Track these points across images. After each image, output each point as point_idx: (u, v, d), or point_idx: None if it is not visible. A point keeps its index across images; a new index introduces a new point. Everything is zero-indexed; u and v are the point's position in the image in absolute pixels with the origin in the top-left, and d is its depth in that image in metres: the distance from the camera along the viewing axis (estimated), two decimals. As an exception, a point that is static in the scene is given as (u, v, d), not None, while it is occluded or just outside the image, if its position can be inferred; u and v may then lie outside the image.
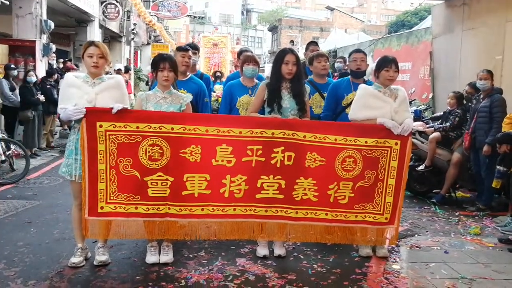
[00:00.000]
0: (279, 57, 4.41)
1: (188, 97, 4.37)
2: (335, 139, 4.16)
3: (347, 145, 4.18)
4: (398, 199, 4.33)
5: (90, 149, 3.87)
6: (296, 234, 4.32)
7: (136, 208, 3.98)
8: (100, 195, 3.93)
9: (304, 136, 4.12)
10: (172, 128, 3.95)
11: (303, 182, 4.16)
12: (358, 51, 5.24)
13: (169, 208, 4.01)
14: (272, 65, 4.60)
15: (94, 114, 3.87)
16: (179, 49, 5.24)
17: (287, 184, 4.13)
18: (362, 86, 4.56)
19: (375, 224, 4.34)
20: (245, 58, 5.16)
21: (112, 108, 3.84)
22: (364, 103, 4.39)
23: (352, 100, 4.93)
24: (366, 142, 4.20)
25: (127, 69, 13.36)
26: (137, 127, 3.91)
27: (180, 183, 4.00)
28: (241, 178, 4.07)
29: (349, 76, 5.19)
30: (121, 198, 3.95)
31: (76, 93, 3.97)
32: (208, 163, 4.02)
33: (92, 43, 4.09)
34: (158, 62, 4.20)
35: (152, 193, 3.98)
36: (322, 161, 4.16)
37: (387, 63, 4.41)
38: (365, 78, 5.22)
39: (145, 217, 4.02)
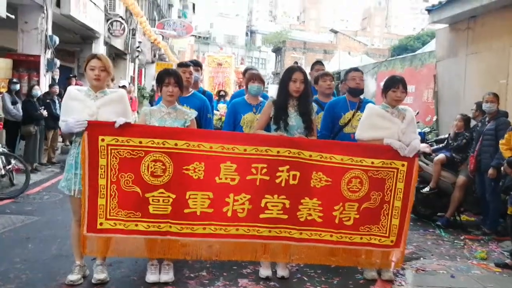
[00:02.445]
0: (287, 74, 4.36)
1: (193, 113, 4.32)
2: (341, 159, 4.09)
3: (353, 165, 4.10)
4: (404, 221, 4.23)
5: (91, 164, 3.80)
6: (300, 256, 4.23)
7: (136, 225, 3.88)
8: (100, 211, 3.84)
9: (310, 156, 4.05)
10: (176, 144, 3.87)
11: (308, 202, 4.07)
12: (356, 69, 5.20)
13: (170, 226, 3.91)
14: (279, 82, 4.54)
15: (96, 128, 3.81)
16: (180, 65, 5.22)
17: (291, 204, 4.04)
18: (369, 106, 4.50)
19: (380, 247, 4.24)
20: (250, 76, 5.12)
21: (114, 122, 3.79)
22: (371, 123, 4.33)
23: (349, 119, 4.89)
24: (372, 162, 4.13)
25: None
26: (140, 142, 3.84)
27: (182, 201, 3.91)
28: (244, 197, 3.98)
29: (346, 95, 5.14)
30: (121, 214, 3.86)
31: (77, 107, 3.91)
32: (211, 180, 3.94)
33: (94, 56, 4.05)
34: (163, 76, 4.17)
35: (153, 210, 3.88)
36: (328, 181, 4.08)
37: (394, 84, 4.36)
38: (362, 97, 5.16)
39: (145, 235, 3.92)
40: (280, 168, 4.00)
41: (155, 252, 4.01)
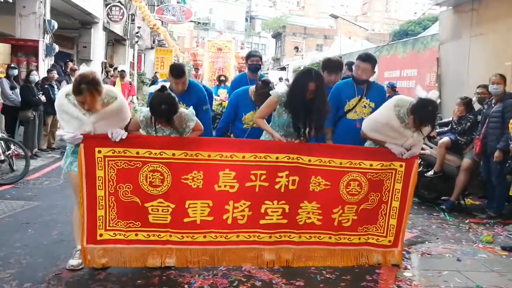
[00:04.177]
0: (302, 83, 4.04)
1: (193, 120, 4.04)
2: (340, 163, 4.10)
3: (352, 168, 4.10)
4: (402, 221, 4.26)
5: (89, 175, 3.75)
6: (299, 258, 4.19)
7: (136, 235, 3.87)
8: (99, 222, 3.82)
9: (309, 160, 4.05)
10: (173, 154, 3.84)
11: (307, 206, 4.09)
12: (362, 59, 4.87)
13: (170, 236, 3.91)
14: (292, 85, 4.17)
15: (92, 140, 3.75)
16: (173, 74, 4.77)
17: (291, 208, 4.05)
18: (391, 107, 4.17)
19: (378, 247, 4.28)
20: (260, 97, 4.72)
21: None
22: (380, 129, 4.21)
23: (354, 106, 4.76)
24: (371, 165, 4.14)
25: (122, 75, 12.89)
26: (137, 153, 3.79)
27: (181, 210, 3.90)
28: (244, 204, 3.98)
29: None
30: (121, 224, 3.85)
31: (73, 122, 3.74)
32: (210, 188, 3.92)
33: (78, 91, 3.56)
34: (155, 115, 3.86)
35: (153, 219, 3.87)
36: (327, 185, 4.09)
37: (425, 120, 4.05)
38: (371, 79, 5.00)
39: (145, 244, 3.91)
40: (280, 174, 3.99)
41: (157, 261, 3.95)
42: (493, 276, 4.24)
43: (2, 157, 7.51)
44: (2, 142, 7.66)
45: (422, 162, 6.94)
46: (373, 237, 4.23)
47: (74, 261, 3.94)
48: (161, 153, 3.81)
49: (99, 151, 3.75)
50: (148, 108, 3.99)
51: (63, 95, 3.80)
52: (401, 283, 3.98)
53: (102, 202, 3.80)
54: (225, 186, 3.93)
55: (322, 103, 4.07)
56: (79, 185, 3.76)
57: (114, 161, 3.77)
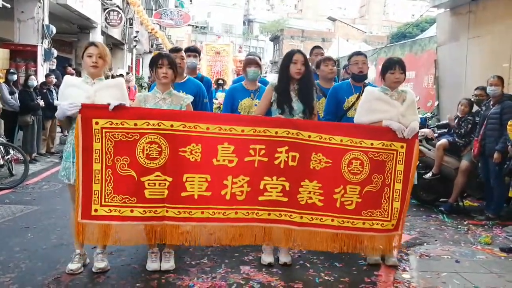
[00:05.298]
0: (287, 57, 4.28)
1: (189, 97, 4.22)
2: (341, 140, 4.01)
3: (353, 146, 4.03)
4: (404, 204, 4.16)
5: (85, 148, 3.69)
6: (301, 241, 4.12)
7: (131, 211, 3.76)
8: (94, 197, 3.73)
9: (309, 136, 3.96)
10: (172, 125, 3.78)
11: (308, 185, 3.97)
12: (358, 53, 5.10)
13: (167, 211, 3.80)
14: (279, 67, 4.46)
15: (89, 110, 3.72)
16: (171, 50, 5.17)
17: (291, 186, 3.95)
18: (367, 89, 4.42)
19: (383, 232, 4.14)
20: (246, 61, 5.07)
21: (109, 105, 3.70)
22: (369, 107, 4.25)
23: (353, 103, 4.82)
24: (372, 144, 4.05)
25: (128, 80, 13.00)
26: (135, 124, 3.74)
27: (179, 184, 3.81)
28: (243, 179, 3.89)
29: (350, 79, 5.06)
30: (116, 200, 3.74)
31: (74, 92, 3.87)
32: (209, 162, 3.84)
33: (92, 43, 4.03)
34: (157, 59, 4.09)
35: (149, 194, 3.78)
36: (328, 162, 3.99)
37: (391, 65, 4.30)
38: (366, 81, 5.08)
39: (141, 221, 3.81)
40: (279, 149, 3.92)
41: (153, 238, 3.90)
42: (491, 278, 4.25)
43: (1, 162, 7.54)
44: (1, 146, 7.68)
45: (420, 164, 6.95)
46: (378, 222, 4.08)
47: (73, 265, 3.94)
48: (159, 124, 3.76)
49: (97, 123, 3.69)
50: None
51: (71, 77, 4.22)
52: (399, 285, 3.99)
53: (98, 176, 3.72)
54: (223, 160, 3.85)
55: (309, 77, 4.32)
56: (76, 157, 3.73)
57: (111, 133, 3.72)
